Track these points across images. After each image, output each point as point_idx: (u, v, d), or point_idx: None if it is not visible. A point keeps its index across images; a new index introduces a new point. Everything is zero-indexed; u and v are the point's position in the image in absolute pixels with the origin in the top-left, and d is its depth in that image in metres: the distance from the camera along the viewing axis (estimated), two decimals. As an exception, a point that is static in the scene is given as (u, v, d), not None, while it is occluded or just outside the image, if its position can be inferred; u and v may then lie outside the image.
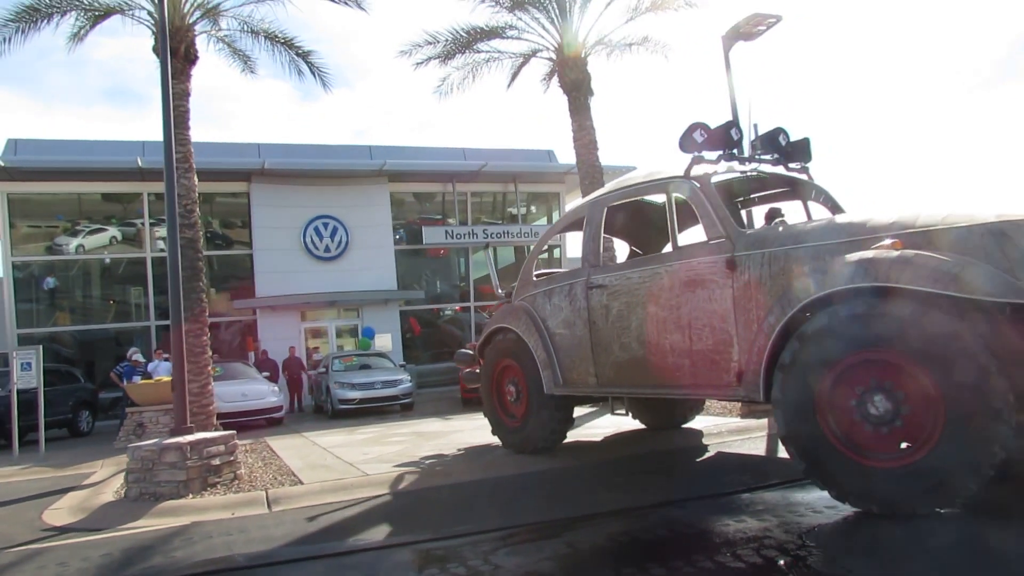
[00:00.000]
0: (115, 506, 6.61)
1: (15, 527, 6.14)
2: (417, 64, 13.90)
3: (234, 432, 7.39)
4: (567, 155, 20.33)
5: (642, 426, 8.43)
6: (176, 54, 10.30)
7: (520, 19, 13.28)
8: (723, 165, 5.69)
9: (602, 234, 6.58)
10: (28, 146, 19.01)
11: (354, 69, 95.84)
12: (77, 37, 11.55)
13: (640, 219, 7.76)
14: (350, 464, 7.84)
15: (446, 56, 13.95)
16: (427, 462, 7.63)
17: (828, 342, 4.15)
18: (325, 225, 20.66)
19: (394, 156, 21.72)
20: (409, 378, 15.71)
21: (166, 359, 14.56)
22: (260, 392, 14.09)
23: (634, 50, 14.37)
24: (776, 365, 4.45)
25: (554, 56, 13.55)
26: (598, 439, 8.28)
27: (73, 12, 10.93)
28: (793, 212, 6.22)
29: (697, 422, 8.38)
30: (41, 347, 11.82)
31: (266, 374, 15.92)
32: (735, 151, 5.68)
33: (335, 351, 19.53)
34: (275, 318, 20.00)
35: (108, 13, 11.14)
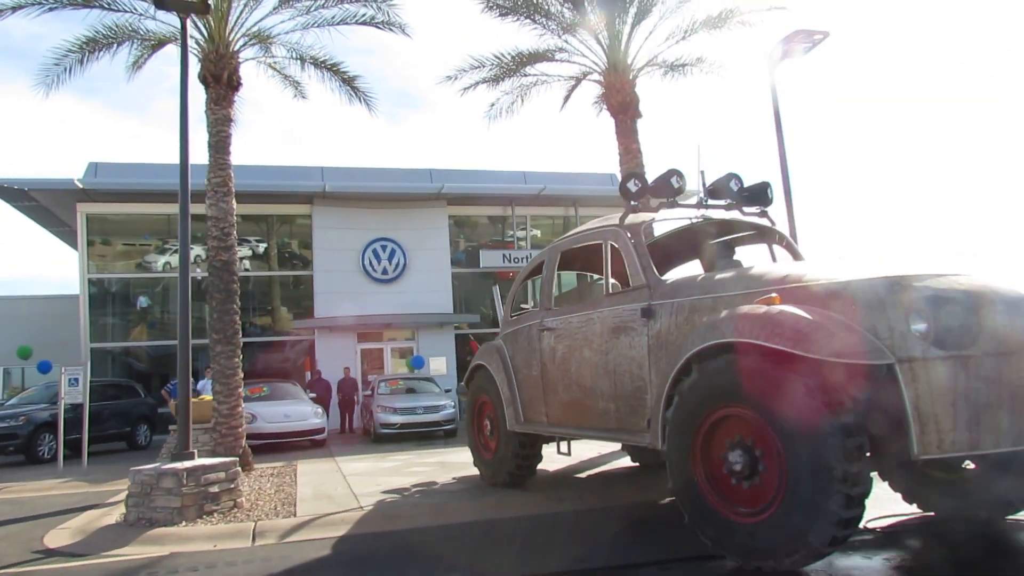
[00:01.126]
0: (111, 530, 6.61)
1: (12, 547, 6.22)
2: (464, 89, 13.81)
3: (236, 459, 7.31)
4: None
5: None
6: (219, 80, 10.56)
7: (567, 42, 13.01)
8: (677, 212, 5.85)
9: (555, 278, 6.92)
10: (107, 169, 20.01)
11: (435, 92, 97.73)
12: (136, 65, 12.01)
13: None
14: (356, 496, 7.64)
15: (493, 80, 13.81)
16: (429, 500, 7.34)
17: (697, 397, 4.28)
18: (383, 247, 20.84)
19: (454, 179, 21.76)
20: (453, 404, 15.50)
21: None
22: (302, 413, 14.16)
23: (687, 71, 13.89)
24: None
25: (602, 79, 13.20)
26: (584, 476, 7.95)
27: (128, 42, 11.34)
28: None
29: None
30: (89, 363, 12.24)
31: (312, 395, 16.04)
32: (677, 198, 5.75)
33: (389, 374, 19.58)
34: (332, 339, 20.24)
35: (162, 43, 11.54)
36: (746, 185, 5.95)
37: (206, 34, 10.69)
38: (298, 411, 14.19)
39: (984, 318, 3.85)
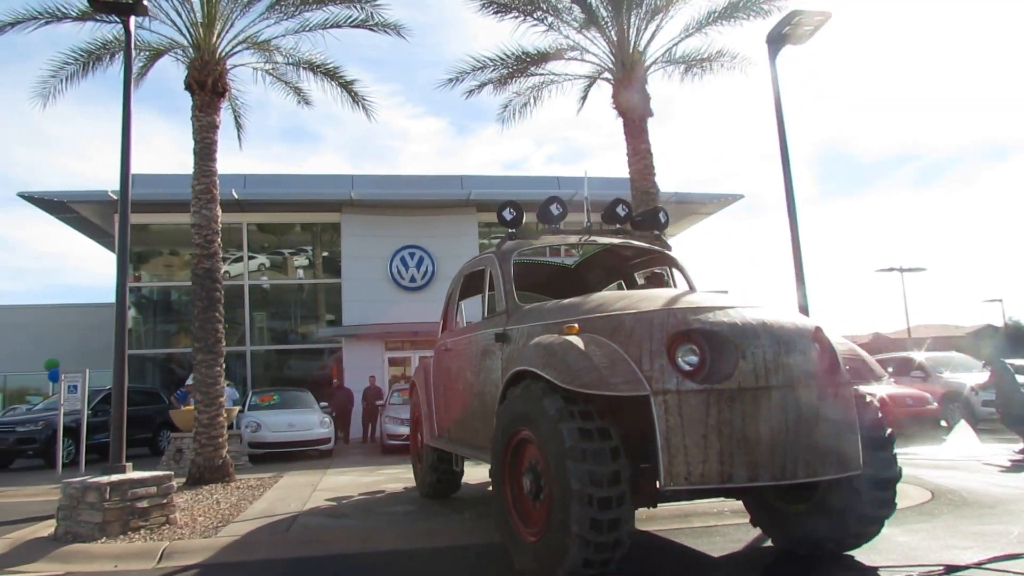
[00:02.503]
0: (36, 544, 6.40)
1: (-68, 559, 6.11)
2: (469, 92, 13.42)
3: (170, 473, 7.05)
4: (669, 182, 19.13)
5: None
6: (204, 87, 10.50)
7: (571, 39, 12.47)
8: (559, 238, 6.29)
9: (456, 301, 7.28)
10: (143, 180, 20.54)
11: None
12: (141, 74, 12.11)
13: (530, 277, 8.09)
14: (298, 513, 7.30)
15: (500, 82, 13.36)
16: (364, 523, 6.91)
17: (504, 421, 4.47)
18: (412, 255, 20.68)
19: (484, 185, 21.42)
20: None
21: (229, 386, 14.92)
22: (308, 423, 14.01)
23: (706, 67, 13.13)
24: None
25: (611, 77, 12.58)
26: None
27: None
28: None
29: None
30: (88, 371, 12.34)
31: (323, 404, 15.89)
32: (555, 225, 5.98)
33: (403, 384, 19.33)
34: (359, 347, 20.16)
35: (159, 53, 11.58)
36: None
37: (191, 40, 10.65)
38: (304, 420, 14.04)
39: (746, 352, 3.84)
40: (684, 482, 3.68)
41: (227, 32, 10.85)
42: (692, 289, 6.06)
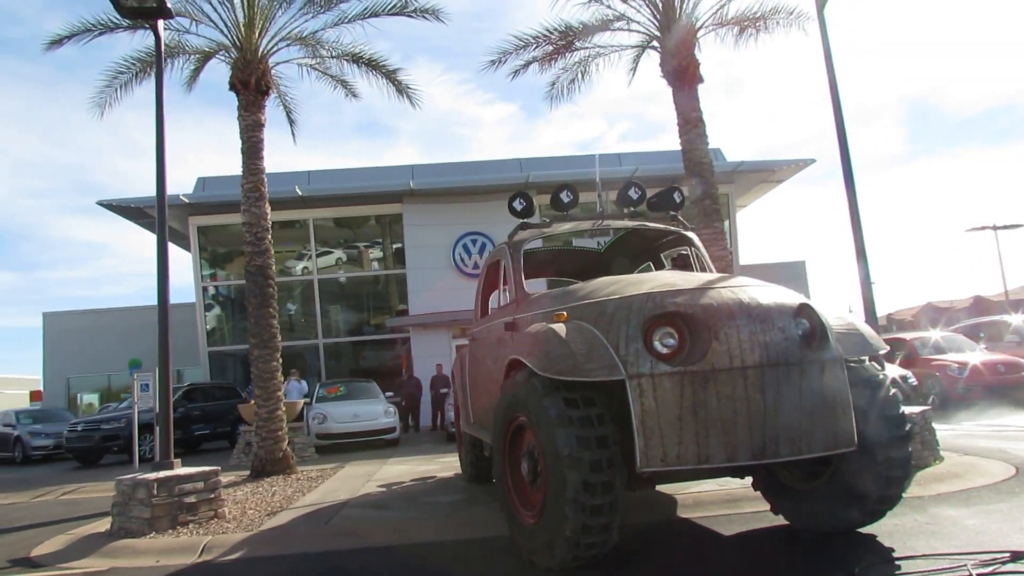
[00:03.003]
0: (92, 539, 6.64)
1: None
2: (514, 73, 13.13)
3: (217, 468, 7.15)
4: (738, 151, 18.36)
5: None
6: (248, 86, 10.64)
7: (610, 8, 12.00)
8: (574, 225, 6.33)
9: (481, 292, 7.28)
10: (214, 182, 21.26)
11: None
12: (193, 78, 12.39)
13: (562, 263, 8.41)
14: (344, 503, 7.33)
15: (546, 60, 13.01)
16: (404, 514, 6.84)
17: (503, 406, 4.58)
18: (473, 242, 20.63)
19: (542, 168, 21.12)
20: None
21: (296, 380, 15.28)
22: (372, 413, 14.16)
23: (759, 25, 12.43)
24: None
25: (657, 44, 12.05)
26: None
27: (177, 58, 11.71)
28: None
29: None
30: (157, 370, 12.77)
31: (389, 394, 16.05)
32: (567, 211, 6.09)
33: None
34: (426, 336, 20.30)
35: (208, 56, 11.82)
36: (657, 192, 6.21)
37: (233, 41, 10.80)
38: (368, 411, 14.21)
39: (719, 333, 3.85)
40: (660, 464, 3.74)
41: (268, 30, 10.96)
42: (706, 269, 6.08)
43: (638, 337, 3.88)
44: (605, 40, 12.86)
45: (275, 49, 11.12)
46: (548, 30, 12.49)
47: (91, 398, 26.43)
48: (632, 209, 6.30)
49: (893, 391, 4.37)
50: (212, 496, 6.99)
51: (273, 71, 11.21)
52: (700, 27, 11.83)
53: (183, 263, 21.27)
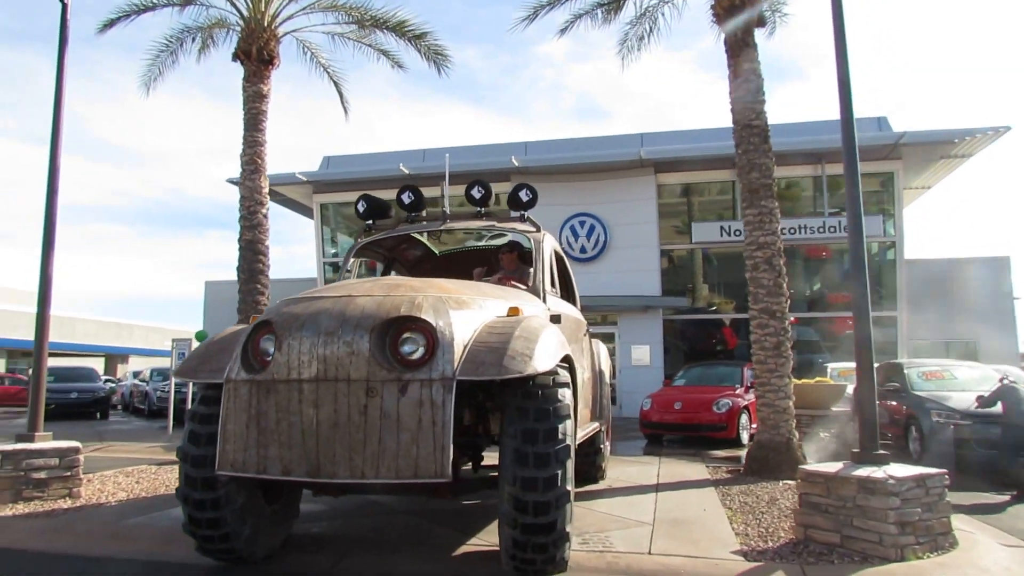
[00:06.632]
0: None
1: None
2: (561, 31, 11.58)
3: (78, 446, 6.85)
4: (905, 122, 15.15)
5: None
6: (250, 56, 10.38)
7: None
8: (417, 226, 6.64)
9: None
10: (339, 161, 21.83)
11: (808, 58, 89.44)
12: (203, 49, 12.20)
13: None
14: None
15: (609, 8, 11.29)
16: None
17: None
18: (582, 224, 19.19)
19: (663, 142, 19.04)
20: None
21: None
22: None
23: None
24: None
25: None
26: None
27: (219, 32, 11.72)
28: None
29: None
30: (193, 339, 13.17)
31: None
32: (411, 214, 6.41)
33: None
34: (527, 322, 19.27)
35: (214, 27, 11.59)
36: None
37: (242, 10, 10.58)
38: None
39: (283, 343, 3.80)
40: (231, 468, 3.80)
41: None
42: (530, 271, 5.91)
43: (245, 343, 4.01)
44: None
45: (291, 15, 10.74)
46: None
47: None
48: (480, 209, 6.33)
49: (553, 422, 3.74)
50: (68, 474, 6.72)
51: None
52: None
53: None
